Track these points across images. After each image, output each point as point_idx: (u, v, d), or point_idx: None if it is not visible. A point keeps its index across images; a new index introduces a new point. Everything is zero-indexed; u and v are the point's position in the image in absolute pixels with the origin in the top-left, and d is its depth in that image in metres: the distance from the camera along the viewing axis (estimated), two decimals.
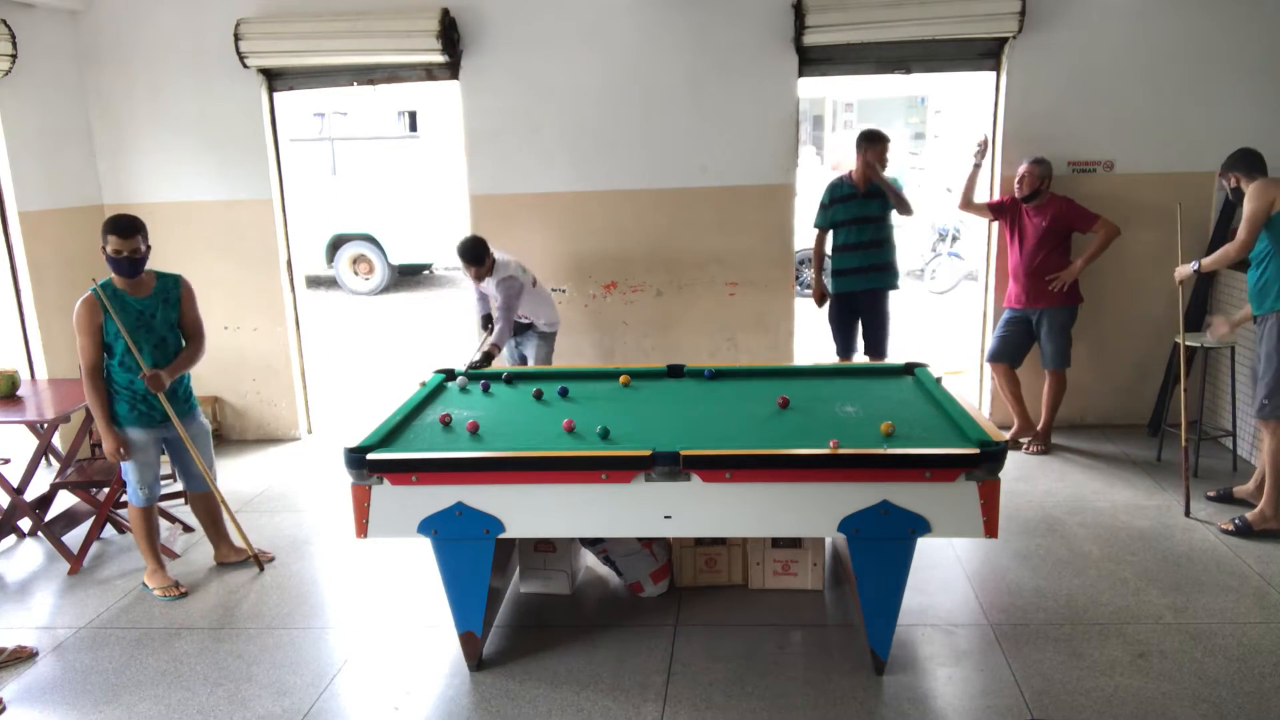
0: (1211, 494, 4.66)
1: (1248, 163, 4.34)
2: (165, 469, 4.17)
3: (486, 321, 5.44)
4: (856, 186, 5.44)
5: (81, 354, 3.79)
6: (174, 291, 3.97)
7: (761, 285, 5.85)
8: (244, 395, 6.22)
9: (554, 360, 5.53)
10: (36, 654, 3.64)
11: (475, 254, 5.10)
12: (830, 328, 5.68)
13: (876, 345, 5.58)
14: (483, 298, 5.52)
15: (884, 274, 5.51)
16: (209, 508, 4.30)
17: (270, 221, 5.98)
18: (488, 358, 4.84)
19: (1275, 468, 4.25)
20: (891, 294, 5.59)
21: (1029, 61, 5.38)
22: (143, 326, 3.84)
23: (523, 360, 5.53)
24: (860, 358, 5.65)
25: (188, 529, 4.75)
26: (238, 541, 4.37)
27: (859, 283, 5.48)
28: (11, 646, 3.62)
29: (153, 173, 5.97)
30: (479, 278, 5.21)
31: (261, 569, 4.29)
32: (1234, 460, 5.17)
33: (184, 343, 4.04)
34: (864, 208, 5.42)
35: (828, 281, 5.66)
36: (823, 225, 5.59)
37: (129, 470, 3.97)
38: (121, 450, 3.88)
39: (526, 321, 5.36)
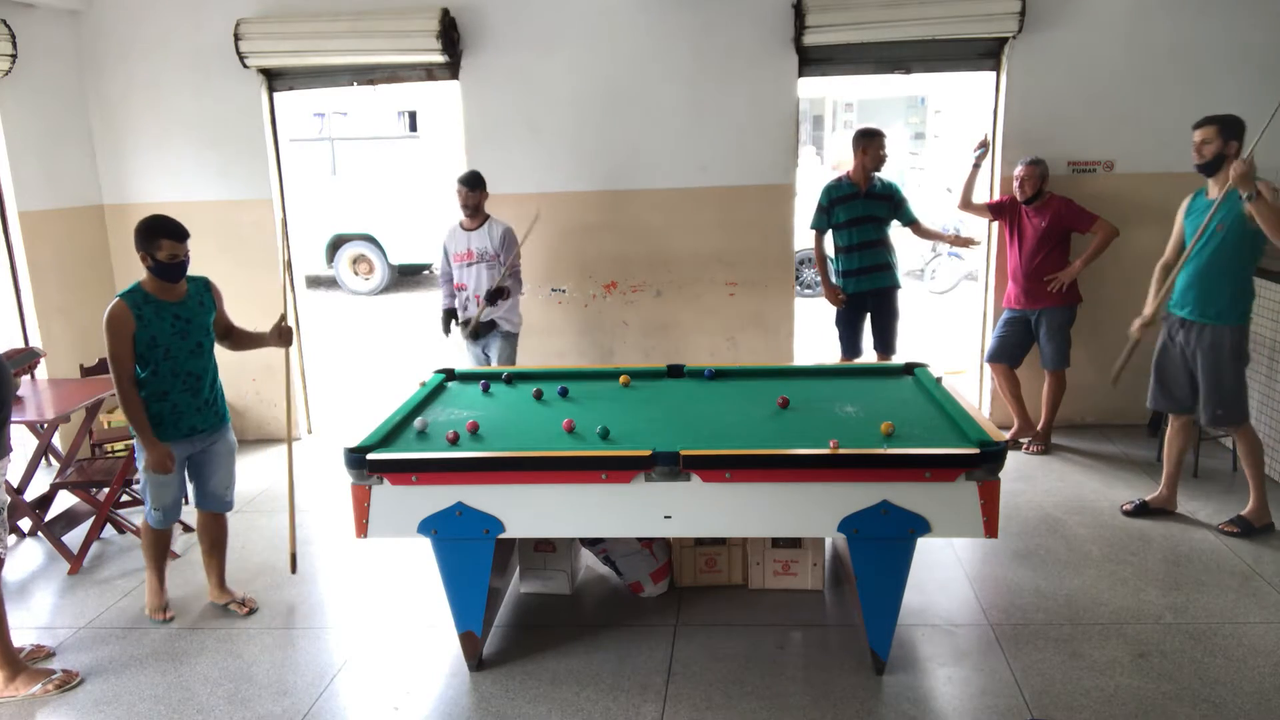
0: (1128, 509, 4.56)
1: (1242, 138, 4.04)
2: None
3: (449, 317, 5.25)
4: (858, 186, 5.44)
5: (117, 364, 3.52)
6: (206, 295, 3.77)
7: (761, 285, 5.85)
8: (244, 395, 6.22)
9: (554, 361, 5.52)
10: (54, 654, 3.65)
11: (480, 178, 5.07)
12: (838, 329, 5.65)
13: (887, 343, 5.58)
14: (448, 279, 5.30)
15: (890, 272, 5.51)
16: (215, 535, 3.98)
17: (270, 221, 5.98)
18: (500, 292, 4.99)
19: (1255, 465, 4.28)
20: (898, 292, 5.60)
21: (1029, 61, 5.38)
22: (178, 333, 3.62)
23: (485, 361, 5.34)
24: (868, 356, 5.64)
25: (188, 529, 4.74)
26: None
27: (867, 283, 5.47)
28: (30, 647, 3.63)
29: (153, 173, 5.97)
30: (475, 215, 5.08)
31: (249, 612, 3.94)
32: (1234, 460, 5.16)
33: (217, 344, 3.86)
34: (868, 207, 5.41)
35: (837, 281, 5.62)
36: (821, 228, 5.55)
37: (146, 487, 3.72)
38: (167, 462, 3.61)
39: (488, 319, 5.18)
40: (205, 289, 3.80)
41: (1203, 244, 4.12)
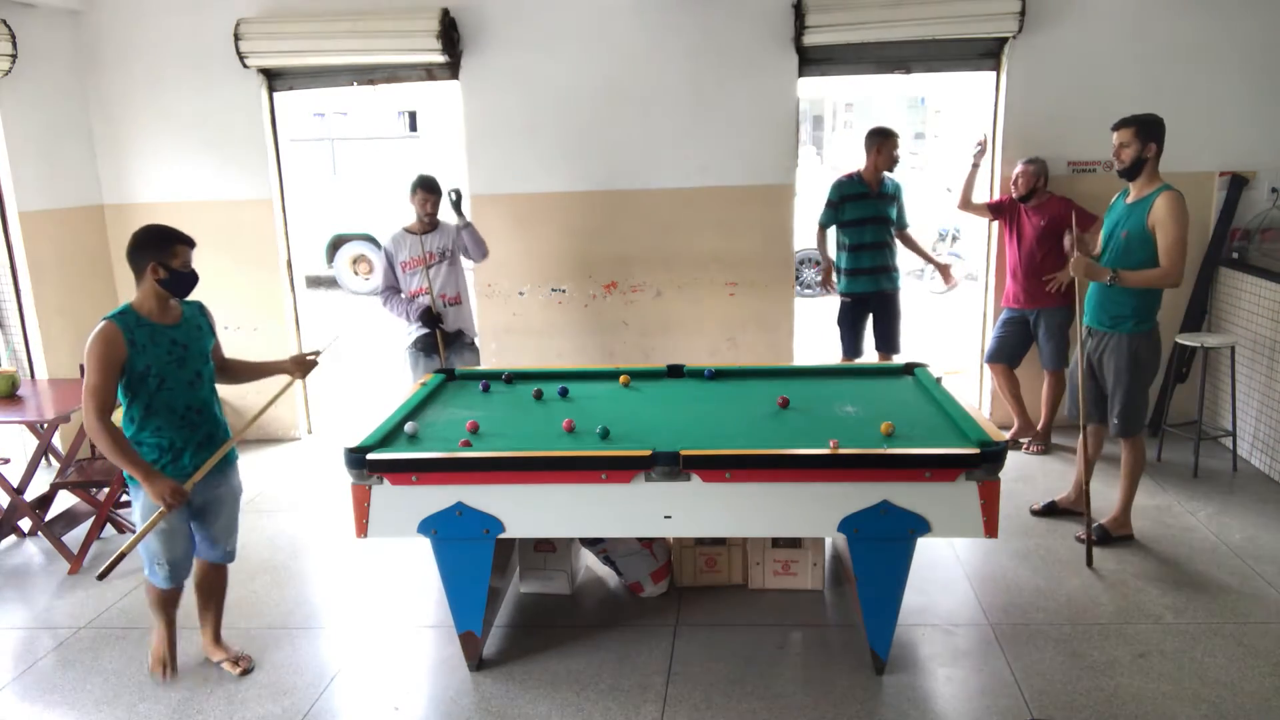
0: (1037, 508, 4.59)
1: (1161, 140, 3.96)
2: None
3: (429, 316, 4.91)
4: (869, 185, 5.43)
5: (94, 394, 2.99)
6: (202, 318, 3.32)
7: (761, 285, 5.85)
8: (244, 395, 6.20)
9: (554, 361, 5.50)
10: None
11: (437, 183, 4.94)
12: (839, 329, 5.64)
13: (891, 343, 5.58)
14: (391, 290, 5.02)
15: (893, 274, 5.52)
16: (215, 585, 3.54)
17: (270, 221, 5.98)
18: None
19: (1131, 478, 4.26)
20: (899, 294, 5.60)
21: (1029, 61, 5.38)
22: (175, 360, 3.14)
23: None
24: (869, 356, 5.64)
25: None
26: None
27: (871, 284, 5.47)
28: None
29: (153, 173, 5.97)
30: (431, 219, 4.95)
31: (244, 673, 3.49)
32: (1234, 460, 5.16)
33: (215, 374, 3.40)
34: (878, 207, 5.41)
35: (835, 277, 5.62)
36: (828, 224, 5.56)
37: (148, 541, 3.19)
38: (170, 496, 3.03)
39: (454, 329, 5.03)
40: (200, 312, 3.34)
41: (1107, 251, 4.10)
